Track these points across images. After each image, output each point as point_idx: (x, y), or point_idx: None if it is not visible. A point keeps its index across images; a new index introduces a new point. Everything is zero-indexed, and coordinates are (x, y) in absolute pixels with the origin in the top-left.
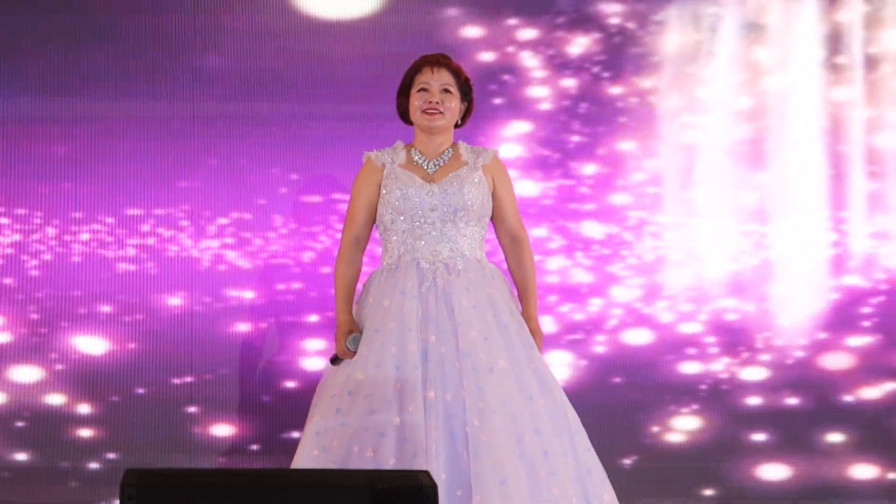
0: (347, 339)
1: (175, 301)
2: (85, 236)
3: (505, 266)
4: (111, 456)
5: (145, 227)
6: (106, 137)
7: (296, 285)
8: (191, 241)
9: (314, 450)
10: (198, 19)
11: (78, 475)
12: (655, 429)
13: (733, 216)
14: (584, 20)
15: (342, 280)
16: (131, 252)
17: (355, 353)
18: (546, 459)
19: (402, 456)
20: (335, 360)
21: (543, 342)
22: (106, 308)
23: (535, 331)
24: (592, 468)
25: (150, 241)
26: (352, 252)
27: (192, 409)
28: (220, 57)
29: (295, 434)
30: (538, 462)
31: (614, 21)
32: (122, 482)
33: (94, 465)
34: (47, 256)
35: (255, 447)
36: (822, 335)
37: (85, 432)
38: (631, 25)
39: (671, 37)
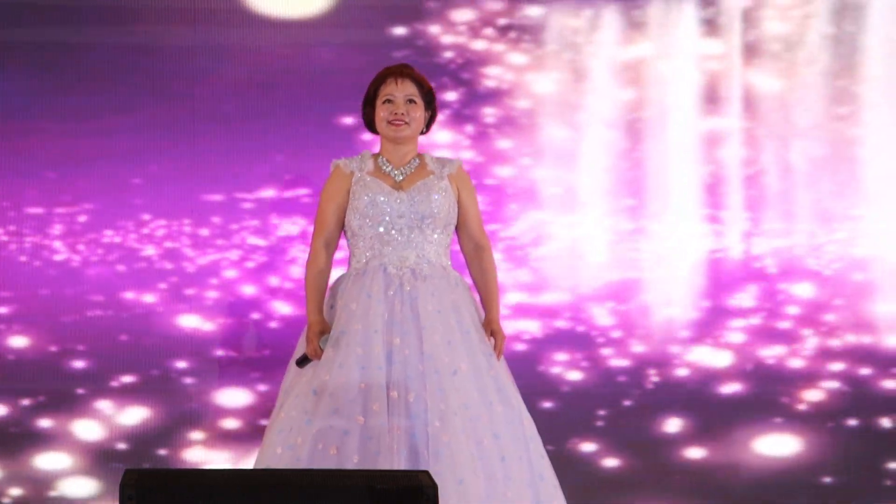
0: (321, 339)
1: (138, 298)
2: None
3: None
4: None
5: (109, 221)
6: (67, 136)
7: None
8: (153, 235)
9: (278, 447)
10: (156, 17)
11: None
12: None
13: (613, 214)
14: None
15: (313, 283)
16: (84, 248)
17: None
18: (503, 464)
19: (366, 454)
20: (301, 362)
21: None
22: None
23: (497, 332)
24: (545, 474)
25: (116, 238)
26: (322, 256)
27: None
28: (179, 56)
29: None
30: (495, 466)
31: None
32: (121, 482)
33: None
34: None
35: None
36: (697, 331)
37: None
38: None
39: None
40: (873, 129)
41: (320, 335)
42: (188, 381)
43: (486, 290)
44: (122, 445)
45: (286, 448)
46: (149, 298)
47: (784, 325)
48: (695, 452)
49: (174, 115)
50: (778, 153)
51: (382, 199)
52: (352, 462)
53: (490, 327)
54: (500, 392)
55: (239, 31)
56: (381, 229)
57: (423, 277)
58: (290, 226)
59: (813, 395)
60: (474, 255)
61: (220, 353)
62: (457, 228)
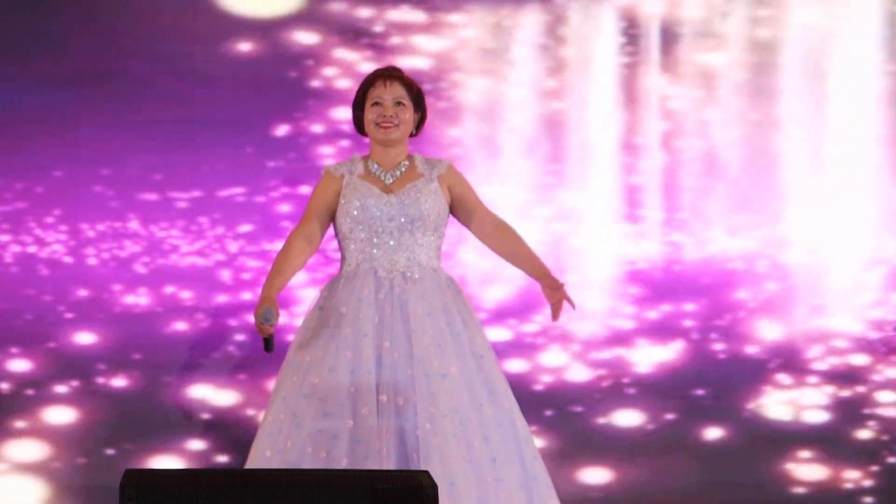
0: (261, 309)
1: (116, 297)
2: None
3: (457, 275)
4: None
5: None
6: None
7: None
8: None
9: (267, 451)
10: (125, 16)
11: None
12: None
13: (537, 217)
14: None
15: (281, 265)
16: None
17: (270, 326)
18: (493, 466)
19: (355, 457)
20: (267, 347)
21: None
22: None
23: (556, 286)
24: (538, 475)
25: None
26: (298, 243)
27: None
28: (148, 56)
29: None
30: (486, 468)
31: None
32: (121, 482)
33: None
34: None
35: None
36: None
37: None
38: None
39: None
40: (792, 133)
41: (262, 305)
42: (156, 381)
43: (527, 254)
44: (66, 446)
45: (276, 452)
46: (129, 299)
47: (718, 325)
48: (641, 450)
49: (156, 115)
50: (701, 154)
51: (372, 202)
52: (340, 465)
53: (547, 281)
54: (491, 394)
55: (233, 31)
56: (372, 233)
57: (414, 281)
58: (276, 226)
59: (745, 395)
60: (497, 233)
61: (191, 353)
62: (468, 223)
